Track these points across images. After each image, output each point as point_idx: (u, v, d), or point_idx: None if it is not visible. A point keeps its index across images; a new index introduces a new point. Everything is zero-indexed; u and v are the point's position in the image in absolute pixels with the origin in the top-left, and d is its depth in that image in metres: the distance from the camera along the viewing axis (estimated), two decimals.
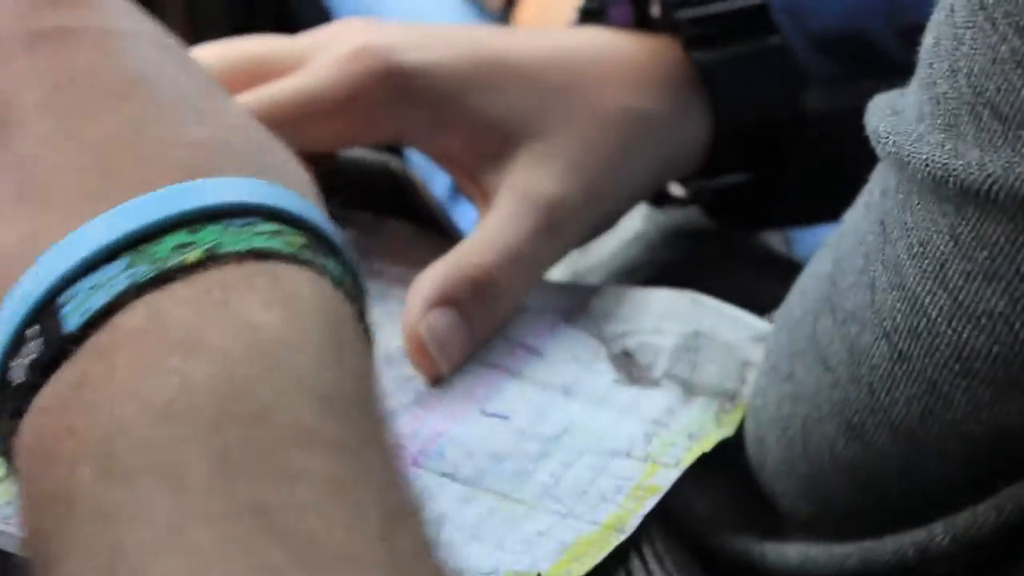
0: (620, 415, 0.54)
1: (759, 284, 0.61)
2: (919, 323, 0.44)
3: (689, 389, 0.55)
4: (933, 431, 0.45)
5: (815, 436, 0.49)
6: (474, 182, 0.60)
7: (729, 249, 0.65)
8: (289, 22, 1.11)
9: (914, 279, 0.44)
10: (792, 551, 0.49)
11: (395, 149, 0.71)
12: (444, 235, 0.63)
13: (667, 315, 0.58)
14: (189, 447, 0.33)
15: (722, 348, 0.56)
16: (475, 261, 0.56)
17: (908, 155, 0.42)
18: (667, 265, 0.65)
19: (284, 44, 0.60)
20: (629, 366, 0.56)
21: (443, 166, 0.62)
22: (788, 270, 0.60)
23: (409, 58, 0.58)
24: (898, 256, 0.45)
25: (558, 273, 0.64)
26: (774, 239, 0.68)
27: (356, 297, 0.39)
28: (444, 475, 0.51)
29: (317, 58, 0.59)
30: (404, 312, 0.55)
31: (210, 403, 0.33)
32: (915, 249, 0.44)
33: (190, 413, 0.33)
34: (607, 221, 0.62)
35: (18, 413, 0.35)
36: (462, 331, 0.55)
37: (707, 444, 0.53)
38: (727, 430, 0.54)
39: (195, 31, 1.16)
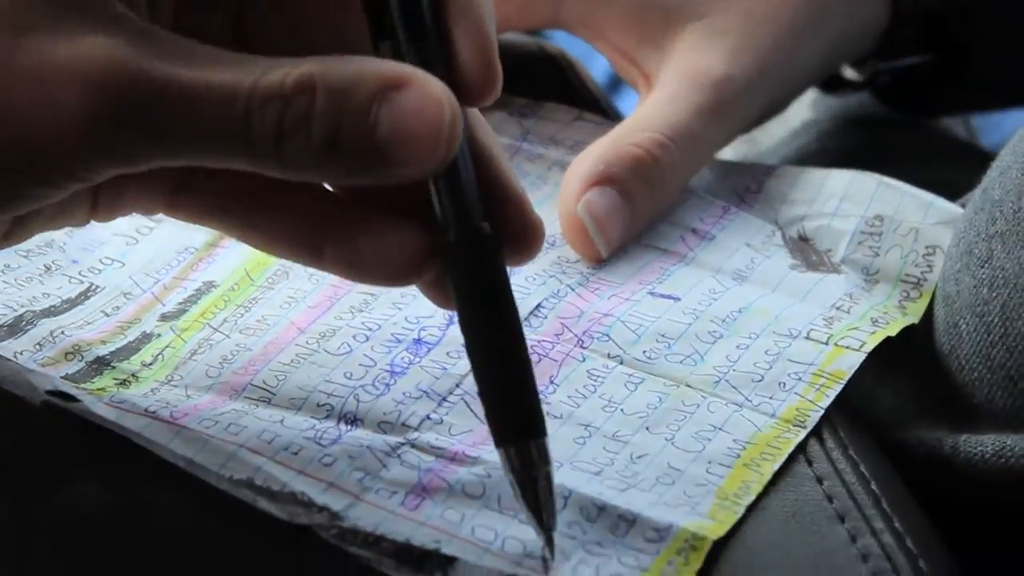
0: (798, 300, 0.51)
1: (944, 172, 0.58)
2: None
3: (871, 275, 0.52)
4: None
5: (1017, 322, 0.46)
6: (635, 65, 0.57)
7: (908, 137, 0.62)
8: None
9: None
10: (988, 441, 0.46)
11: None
12: (605, 117, 0.60)
13: (848, 197, 0.55)
14: None
15: (907, 232, 0.53)
16: (636, 139, 0.53)
17: None
18: (841, 153, 0.62)
19: None
20: (807, 251, 0.53)
21: (601, 50, 0.59)
22: (976, 158, 0.57)
23: None
24: None
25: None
26: (957, 129, 0.64)
27: None
28: (611, 357, 0.48)
29: None
30: (561, 192, 0.53)
31: None
32: None
33: None
34: (777, 104, 0.59)
35: None
36: (622, 210, 0.52)
37: (892, 329, 0.49)
38: (912, 318, 0.51)
39: None
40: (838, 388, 0.47)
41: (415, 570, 0.41)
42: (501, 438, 0.42)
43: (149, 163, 0.39)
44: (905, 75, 0.60)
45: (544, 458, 0.41)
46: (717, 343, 0.49)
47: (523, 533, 0.42)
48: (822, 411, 0.46)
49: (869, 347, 0.48)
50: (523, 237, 0.43)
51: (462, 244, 0.41)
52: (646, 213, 0.53)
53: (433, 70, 0.39)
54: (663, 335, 0.49)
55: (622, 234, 0.53)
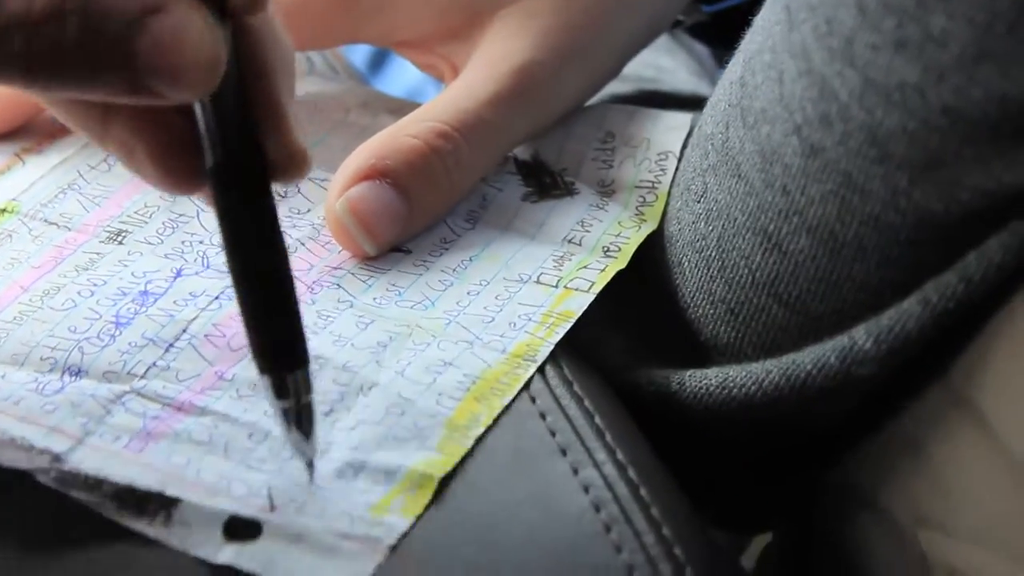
0: (529, 240, 0.51)
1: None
2: (829, 109, 0.42)
3: (606, 187, 0.53)
4: (852, 228, 0.43)
5: (732, 253, 0.46)
6: (442, 59, 0.55)
7: (651, 93, 0.62)
8: None
9: (821, 61, 0.41)
10: (712, 374, 0.47)
11: None
12: None
13: (579, 120, 0.55)
14: None
15: (639, 143, 0.54)
16: (415, 129, 0.50)
17: None
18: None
19: None
20: (540, 174, 0.53)
21: (407, 57, 0.57)
22: None
23: None
24: (804, 40, 0.42)
25: None
26: None
27: None
28: (340, 302, 0.48)
29: None
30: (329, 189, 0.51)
31: None
32: (821, 29, 0.41)
33: None
34: (600, 79, 0.56)
35: None
36: (396, 206, 0.50)
37: (623, 258, 0.50)
38: (650, 224, 0.51)
39: None
40: (568, 325, 0.47)
41: (137, 513, 0.41)
42: (266, 367, 0.41)
43: None
44: (726, 14, 0.59)
45: (307, 387, 0.42)
46: (448, 290, 0.49)
47: (249, 476, 0.42)
48: (552, 346, 0.47)
49: (598, 287, 0.49)
50: (285, 163, 0.42)
51: (219, 171, 0.41)
52: (429, 208, 0.51)
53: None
54: (393, 284, 0.49)
55: (396, 231, 0.50)
